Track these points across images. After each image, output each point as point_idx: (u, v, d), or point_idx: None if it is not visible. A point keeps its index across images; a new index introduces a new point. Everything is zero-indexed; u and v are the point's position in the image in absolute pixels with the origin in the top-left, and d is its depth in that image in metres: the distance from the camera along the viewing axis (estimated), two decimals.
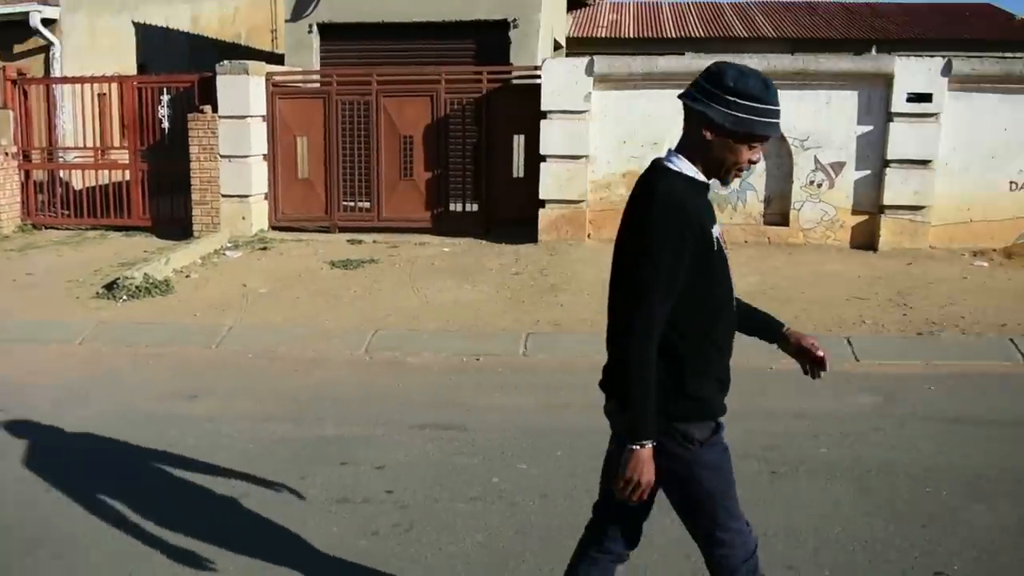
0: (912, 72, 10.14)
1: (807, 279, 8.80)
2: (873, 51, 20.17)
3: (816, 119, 10.30)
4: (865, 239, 10.43)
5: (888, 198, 10.25)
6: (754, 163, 2.56)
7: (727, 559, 2.65)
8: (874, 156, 10.31)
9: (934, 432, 5.24)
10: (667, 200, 2.43)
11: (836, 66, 10.36)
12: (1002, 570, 3.72)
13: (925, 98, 10.10)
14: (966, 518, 4.17)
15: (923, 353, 6.70)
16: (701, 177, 2.51)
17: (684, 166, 2.50)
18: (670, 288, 2.41)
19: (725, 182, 2.58)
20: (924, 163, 10.18)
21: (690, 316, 2.49)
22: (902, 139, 10.16)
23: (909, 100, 10.12)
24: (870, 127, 10.29)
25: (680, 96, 2.52)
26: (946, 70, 10.10)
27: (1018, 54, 21.00)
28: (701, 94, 2.44)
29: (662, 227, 2.39)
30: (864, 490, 4.46)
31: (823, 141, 10.35)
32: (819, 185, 10.43)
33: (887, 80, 10.16)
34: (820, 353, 2.77)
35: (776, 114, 2.45)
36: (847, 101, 10.31)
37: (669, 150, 2.56)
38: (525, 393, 6.00)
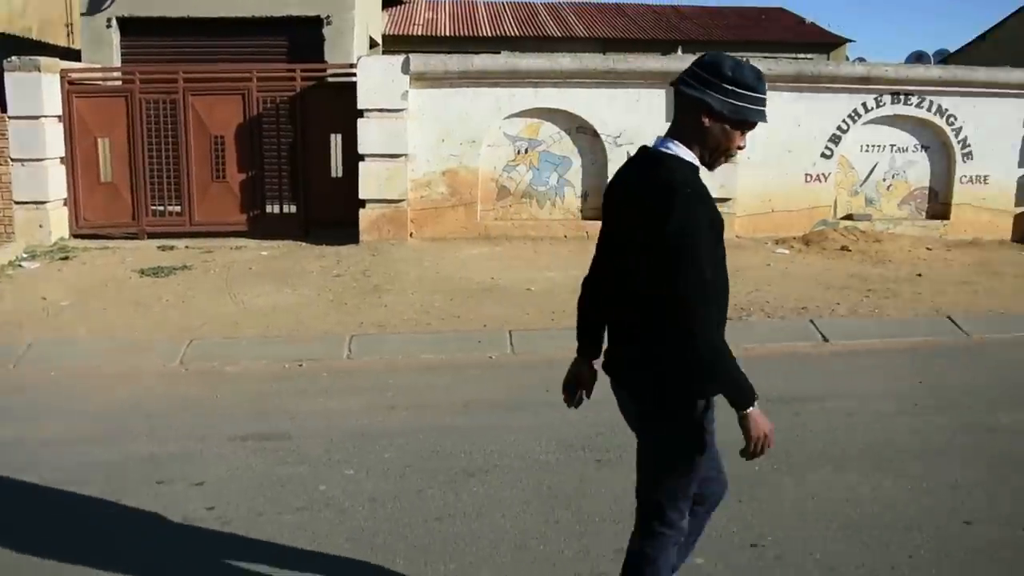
0: None
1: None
2: (679, 51, 21.06)
3: (628, 116, 10.66)
4: None
5: None
6: (741, 148, 2.66)
7: (657, 541, 2.83)
8: None
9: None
10: (691, 193, 2.50)
11: (644, 66, 10.75)
12: (812, 539, 3.94)
13: None
14: (779, 490, 4.41)
15: (734, 337, 6.91)
16: (697, 161, 2.60)
17: (683, 152, 2.58)
18: (713, 273, 2.51)
19: (712, 166, 2.64)
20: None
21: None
22: None
23: None
24: None
25: (677, 84, 2.60)
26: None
27: (809, 55, 22.52)
28: (699, 83, 2.53)
29: (688, 208, 2.48)
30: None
31: (635, 138, 10.68)
32: None
33: None
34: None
35: (765, 102, 2.58)
36: (656, 99, 10.71)
37: (660, 137, 2.64)
38: (351, 396, 5.89)
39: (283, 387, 6.11)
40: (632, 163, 2.71)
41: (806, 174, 11.09)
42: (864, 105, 11.11)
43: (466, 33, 23.12)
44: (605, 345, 2.95)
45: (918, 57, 33.05)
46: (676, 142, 2.59)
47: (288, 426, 5.30)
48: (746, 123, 2.57)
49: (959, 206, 11.46)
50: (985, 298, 8.31)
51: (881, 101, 11.14)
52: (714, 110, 2.52)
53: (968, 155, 11.37)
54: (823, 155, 11.09)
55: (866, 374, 6.30)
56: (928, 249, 10.65)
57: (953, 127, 11.29)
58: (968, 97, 11.32)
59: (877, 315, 7.70)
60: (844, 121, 11.08)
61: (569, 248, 10.07)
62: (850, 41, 25.38)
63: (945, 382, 6.10)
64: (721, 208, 9.86)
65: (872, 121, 11.21)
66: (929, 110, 11.23)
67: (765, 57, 12.98)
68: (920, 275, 9.22)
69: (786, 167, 11.02)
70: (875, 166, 11.39)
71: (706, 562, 3.75)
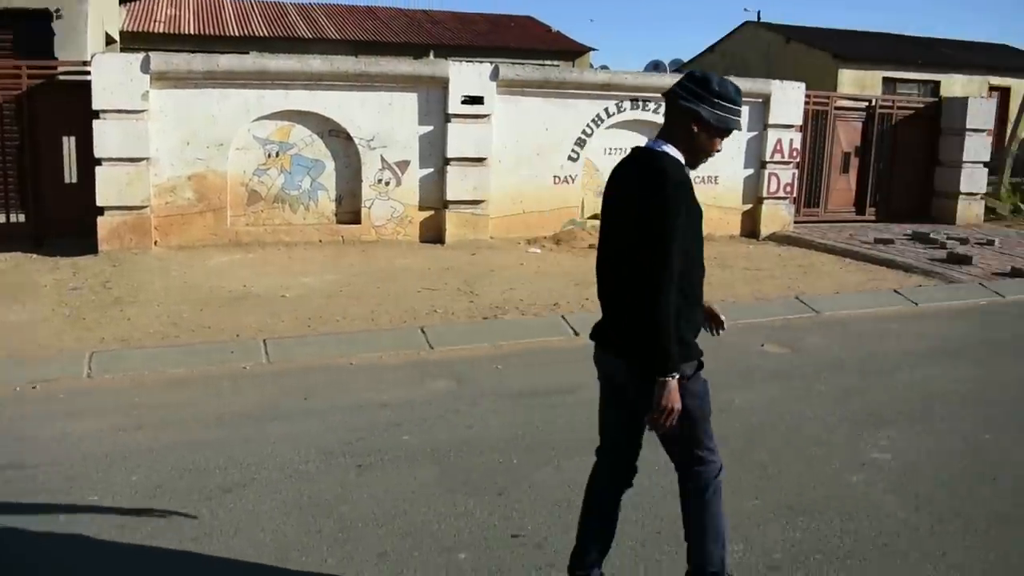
0: (465, 76, 10.84)
1: (381, 275, 9.07)
2: (431, 56, 21.29)
3: (381, 120, 10.63)
4: (433, 233, 10.99)
5: (451, 194, 10.90)
6: (719, 151, 3.15)
7: (703, 474, 3.22)
8: (436, 155, 10.89)
9: (503, 407, 5.65)
10: (675, 179, 2.95)
11: (396, 69, 10.77)
12: (572, 525, 4.09)
13: (478, 100, 10.86)
14: (537, 480, 4.55)
15: (490, 336, 7.21)
16: (683, 160, 3.04)
17: (672, 151, 3.04)
18: (682, 249, 2.92)
19: (695, 165, 3.10)
20: (480, 160, 10.96)
21: (684, 274, 2.97)
22: (459, 138, 10.84)
23: (464, 102, 10.82)
24: (431, 127, 10.84)
25: (671, 96, 3.03)
26: (494, 75, 10.94)
27: (556, 62, 23.43)
28: (692, 96, 2.99)
29: (675, 201, 2.91)
30: (446, 470, 4.68)
31: (388, 141, 10.71)
32: (387, 183, 10.79)
33: (443, 83, 10.76)
34: (721, 317, 3.47)
35: (740, 113, 3.04)
36: (408, 102, 10.77)
37: (654, 140, 3.09)
38: (92, 418, 5.47)
39: (15, 411, 5.58)
40: (630, 159, 3.15)
41: (555, 176, 11.54)
42: (606, 110, 11.71)
43: (212, 32, 22.23)
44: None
45: (655, 66, 35.32)
46: (667, 143, 3.06)
47: (22, 454, 4.84)
48: (727, 130, 3.04)
49: None
50: (718, 288, 8.97)
51: (622, 107, 11.78)
52: (703, 119, 2.99)
53: None
54: (570, 158, 11.59)
55: None
56: None
57: None
58: None
59: None
60: (589, 125, 11.63)
61: (324, 253, 9.92)
62: (593, 50, 26.70)
63: None
64: (474, 210, 10.17)
65: (614, 126, 11.84)
66: None
67: (514, 63, 13.37)
68: None
69: (536, 170, 11.42)
70: None
71: (468, 556, 3.81)
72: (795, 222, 13.03)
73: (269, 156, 10.44)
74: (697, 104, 2.98)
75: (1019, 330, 8.16)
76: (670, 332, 2.91)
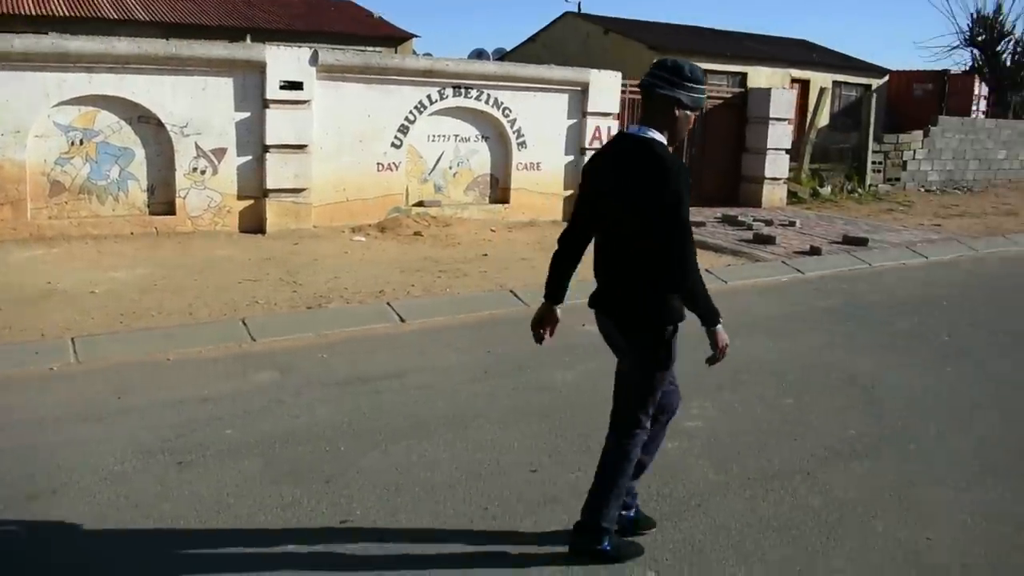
0: (283, 61, 10.59)
1: (199, 267, 8.75)
2: (248, 39, 20.63)
3: (194, 105, 10.23)
4: (253, 223, 10.69)
5: (271, 182, 10.63)
6: (691, 128, 3.55)
7: (636, 438, 3.67)
8: (254, 142, 10.59)
9: (329, 396, 5.59)
10: (673, 160, 3.35)
11: (210, 52, 10.37)
12: (399, 506, 4.12)
13: (297, 86, 10.63)
14: (365, 466, 4.54)
15: (314, 325, 7.10)
16: (666, 141, 3.41)
17: (658, 135, 3.39)
18: (689, 226, 3.36)
19: (674, 144, 3.45)
20: (301, 147, 10.75)
21: None
22: (279, 125, 10.59)
23: (282, 88, 10.57)
24: (248, 113, 10.52)
25: (648, 87, 3.38)
26: (313, 60, 10.73)
27: (378, 48, 23.20)
28: (669, 84, 3.35)
29: (679, 180, 3.29)
30: (270, 461, 4.59)
31: (203, 127, 10.32)
32: (203, 172, 10.40)
33: (261, 68, 10.47)
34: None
35: (705, 91, 3.51)
36: (224, 88, 10.40)
37: (637, 126, 3.43)
38: None
39: None
40: (616, 145, 3.53)
41: (378, 163, 11.45)
42: (429, 97, 11.71)
43: (6, 10, 20.68)
44: (594, 290, 3.74)
45: (479, 54, 35.58)
46: (651, 128, 3.40)
47: None
48: (700, 109, 3.44)
49: (517, 191, 12.55)
50: (541, 272, 9.04)
51: (444, 94, 11.81)
52: (683, 103, 3.36)
53: (522, 144, 12.48)
54: (393, 145, 11.52)
55: (441, 349, 6.69)
56: (492, 231, 11.54)
57: (508, 118, 12.32)
58: (521, 91, 12.41)
59: (449, 294, 8.19)
60: (411, 112, 11.60)
61: (137, 246, 9.47)
62: (416, 36, 26.59)
63: (510, 349, 6.66)
64: (296, 199, 9.96)
65: (437, 113, 11.87)
66: (487, 103, 12.14)
67: (334, 48, 13.16)
68: (486, 255, 9.97)
69: (359, 157, 11.30)
70: (441, 155, 12.08)
71: (295, 545, 3.77)
72: None
73: (72, 144, 9.84)
74: (676, 91, 3.35)
75: (816, 303, 8.77)
76: (705, 291, 3.43)
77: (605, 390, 5.93)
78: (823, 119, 25.70)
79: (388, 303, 7.74)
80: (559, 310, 3.86)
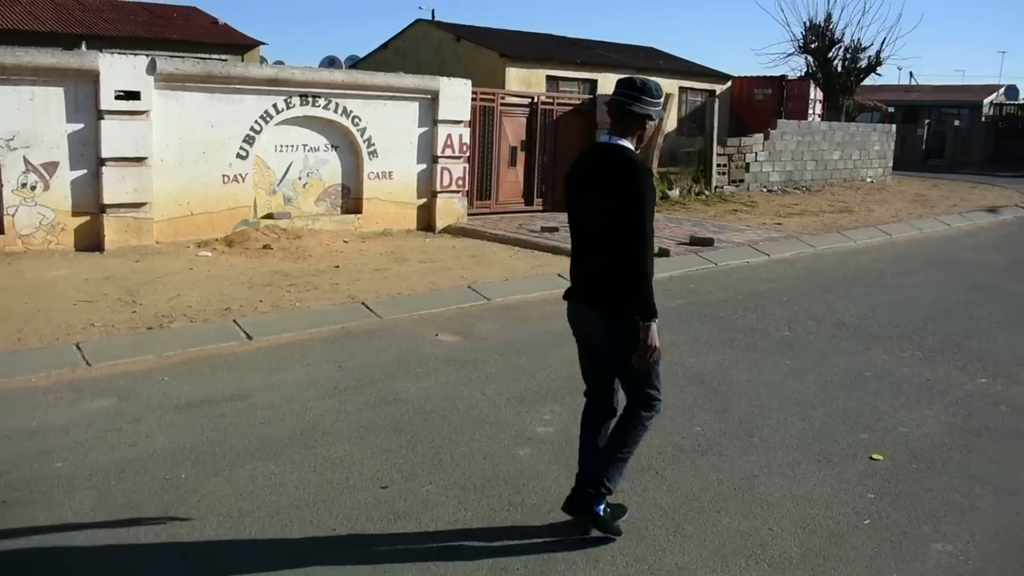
0: (119, 70, 10.12)
1: (29, 289, 8.25)
2: (83, 47, 19.67)
3: (22, 117, 9.67)
4: (91, 240, 10.18)
5: (108, 197, 10.15)
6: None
7: (648, 417, 3.99)
8: (89, 155, 10.08)
9: (170, 421, 5.34)
10: (642, 168, 3.77)
11: (36, 60, 9.81)
12: (246, 534, 3.96)
13: (134, 96, 10.18)
14: (208, 492, 4.35)
15: (156, 347, 6.79)
16: (634, 148, 3.88)
17: (627, 143, 3.84)
18: (650, 227, 3.69)
19: (639, 151, 3.91)
20: (140, 160, 10.30)
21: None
22: (115, 137, 10.12)
23: (118, 98, 10.10)
24: (81, 125, 10.02)
25: (618, 103, 3.79)
26: (151, 68, 10.31)
27: (224, 56, 22.55)
28: (639, 102, 3.77)
29: (646, 187, 3.68)
30: (105, 494, 4.34)
31: (32, 140, 9.76)
32: (33, 187, 9.83)
33: (94, 77, 9.98)
34: None
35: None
36: (54, 98, 9.87)
37: (609, 136, 3.84)
38: None
39: None
40: (593, 154, 3.96)
41: (223, 175, 11.10)
42: (275, 106, 11.44)
43: None
44: (571, 284, 4.10)
45: (331, 62, 35.13)
46: (621, 138, 3.82)
47: None
48: (660, 119, 4.15)
49: (370, 200, 12.41)
50: (394, 282, 9.11)
51: (291, 103, 11.56)
52: (651, 116, 3.84)
53: (374, 153, 12.35)
54: (239, 156, 11.19)
55: (289, 366, 6.51)
56: (345, 242, 11.36)
57: (358, 127, 12.17)
58: (370, 100, 12.27)
59: (299, 308, 8.00)
60: (257, 122, 11.30)
61: None
62: (263, 44, 25.99)
63: (360, 363, 6.55)
64: (136, 214, 9.54)
65: (284, 122, 11.61)
66: (336, 111, 11.95)
67: (172, 56, 12.68)
68: (338, 267, 9.80)
69: (203, 169, 10.92)
70: (290, 165, 11.82)
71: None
72: (469, 214, 13.51)
73: None
74: (642, 106, 3.79)
75: (664, 303, 8.72)
76: (651, 288, 3.69)
77: (459, 399, 5.97)
78: (671, 124, 26.56)
79: (234, 320, 7.48)
80: None
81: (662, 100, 3.92)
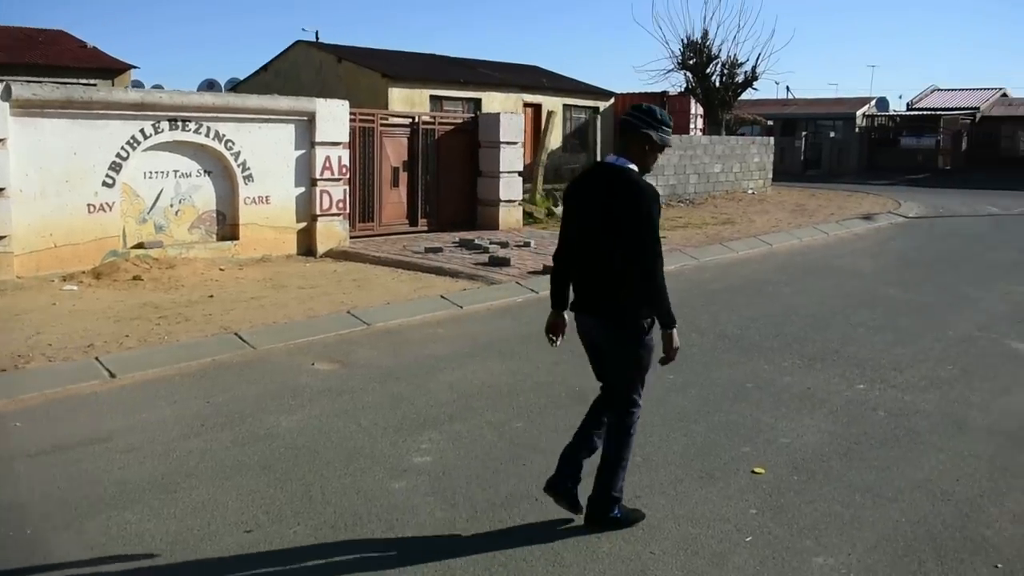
0: None
1: None
2: None
3: None
4: None
5: None
6: (655, 163, 4.33)
7: (632, 416, 4.28)
8: None
9: (18, 471, 4.98)
10: (649, 188, 4.01)
11: None
12: None
13: None
14: (55, 548, 4.04)
15: (8, 390, 6.33)
16: (637, 169, 4.14)
17: (631, 164, 4.10)
18: (659, 243, 4.04)
19: (643, 173, 4.15)
20: None
21: None
22: None
23: None
24: None
25: (627, 125, 4.12)
26: (6, 94, 9.77)
27: (93, 80, 21.72)
28: (645, 124, 4.07)
29: (653, 206, 3.96)
30: None
31: None
32: None
33: None
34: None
35: (671, 131, 4.27)
36: None
37: (614, 156, 4.15)
38: None
39: None
40: (596, 174, 4.26)
41: (89, 205, 10.57)
42: (143, 132, 10.99)
43: None
44: (574, 296, 4.34)
45: (210, 85, 34.28)
46: (626, 160, 4.10)
47: None
48: (666, 146, 4.17)
49: (247, 226, 12.02)
50: (271, 310, 8.80)
51: (160, 128, 11.13)
52: (653, 140, 4.10)
53: (249, 178, 11.98)
54: (105, 184, 10.68)
55: (154, 404, 6.17)
56: (221, 270, 10.97)
57: (232, 151, 11.79)
58: (244, 123, 11.92)
59: (168, 342, 7.63)
60: (124, 148, 10.82)
61: None
62: (134, 67, 25.18)
63: (232, 397, 6.27)
64: None
65: (154, 148, 11.15)
66: (208, 136, 11.56)
67: (30, 81, 12.03)
68: (212, 296, 9.43)
69: (66, 198, 10.38)
70: (161, 192, 11.35)
71: None
72: (352, 237, 13.26)
73: None
74: (649, 129, 4.09)
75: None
76: (667, 299, 4.03)
77: (333, 431, 5.76)
78: (556, 141, 26.83)
79: (97, 358, 7.08)
80: (566, 315, 4.43)
81: (669, 128, 4.19)
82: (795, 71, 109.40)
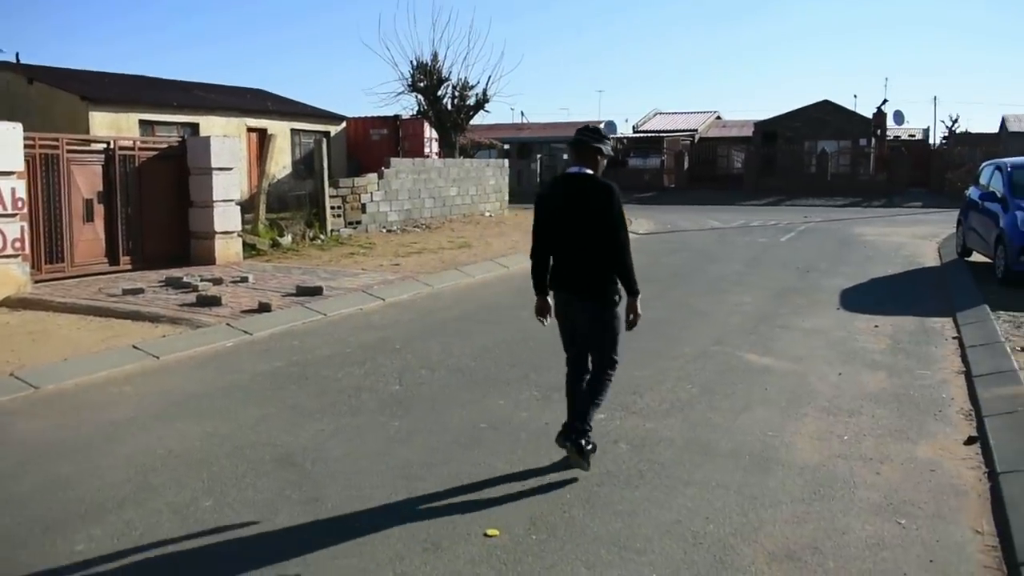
0: None
1: None
2: None
3: None
4: None
5: None
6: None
7: (611, 374, 5.33)
8: None
9: None
10: (616, 189, 5.07)
11: None
12: None
13: None
14: None
15: None
16: None
17: (593, 171, 5.22)
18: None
19: None
20: None
21: None
22: None
23: None
24: None
25: (580, 142, 5.22)
26: None
27: None
28: (595, 140, 5.19)
29: (620, 204, 5.07)
30: None
31: None
32: None
33: None
34: None
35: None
36: None
37: (577, 167, 5.20)
38: None
39: None
40: (565, 181, 5.25)
41: None
42: None
43: None
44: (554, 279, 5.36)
45: None
46: (588, 169, 5.18)
47: None
48: (609, 156, 5.32)
49: None
50: None
51: None
52: (603, 153, 5.24)
53: None
54: None
55: None
56: None
57: None
58: None
59: None
60: None
61: None
62: None
63: None
64: None
65: None
66: None
67: None
68: None
69: None
70: None
71: None
72: (37, 282, 11.41)
73: None
74: (600, 143, 5.19)
75: (259, 368, 7.80)
76: (634, 274, 5.12)
77: None
78: (282, 167, 25.48)
79: None
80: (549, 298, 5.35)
81: (609, 140, 5.32)
82: (526, 94, 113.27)
